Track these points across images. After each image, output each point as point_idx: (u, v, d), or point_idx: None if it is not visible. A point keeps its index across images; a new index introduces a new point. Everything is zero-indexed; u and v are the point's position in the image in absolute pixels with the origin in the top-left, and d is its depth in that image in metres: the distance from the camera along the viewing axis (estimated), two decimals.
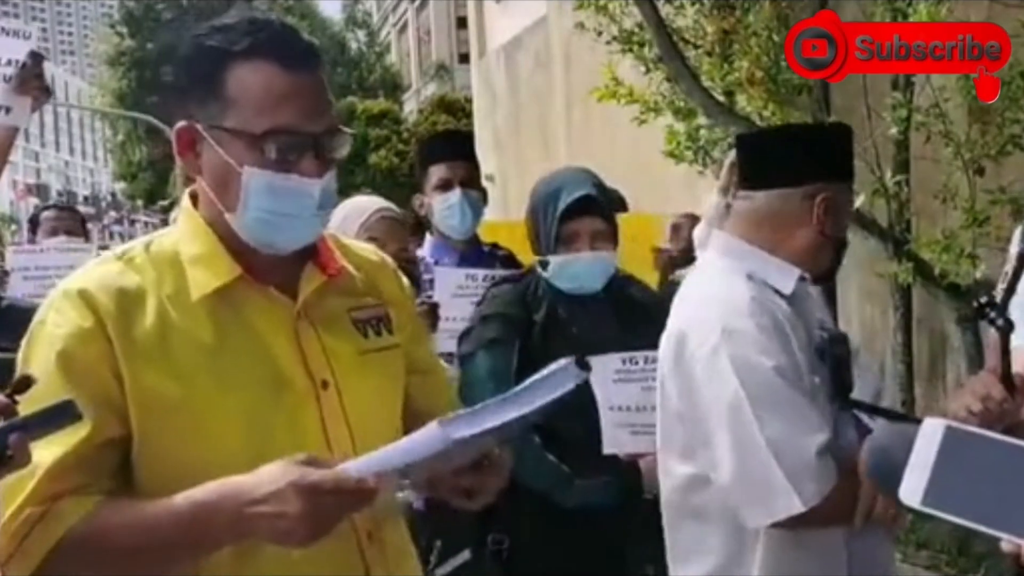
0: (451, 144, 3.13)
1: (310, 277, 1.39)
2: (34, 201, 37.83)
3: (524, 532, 2.27)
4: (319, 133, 1.31)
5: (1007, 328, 1.65)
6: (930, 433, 0.93)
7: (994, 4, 4.06)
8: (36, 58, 2.68)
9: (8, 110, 2.63)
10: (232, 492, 1.19)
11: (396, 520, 1.45)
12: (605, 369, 2.18)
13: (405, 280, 1.59)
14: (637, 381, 2.20)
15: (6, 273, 3.81)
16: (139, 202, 34.36)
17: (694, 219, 4.88)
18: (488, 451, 1.27)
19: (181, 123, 1.33)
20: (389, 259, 1.59)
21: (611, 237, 2.35)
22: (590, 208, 2.31)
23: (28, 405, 1.15)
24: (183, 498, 1.21)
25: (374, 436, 1.35)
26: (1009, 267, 1.80)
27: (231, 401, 1.28)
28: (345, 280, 1.44)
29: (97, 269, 1.34)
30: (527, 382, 1.22)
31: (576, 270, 2.32)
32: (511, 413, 1.19)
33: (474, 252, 3.02)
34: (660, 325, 2.25)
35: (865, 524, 1.64)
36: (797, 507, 1.60)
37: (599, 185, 2.39)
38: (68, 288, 1.30)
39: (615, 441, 2.20)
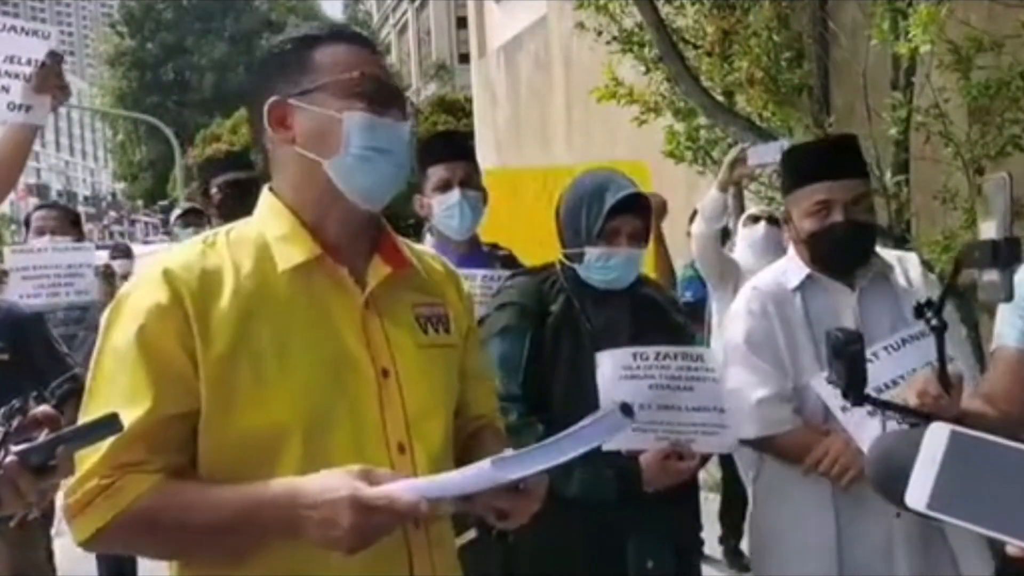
0: (450, 144, 3.12)
1: (377, 268, 1.47)
2: (34, 201, 37.81)
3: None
4: (400, 88, 1.49)
5: (941, 328, 1.76)
6: (935, 437, 0.93)
7: (994, 4, 4.05)
8: (55, 57, 2.73)
9: (28, 108, 2.70)
10: (291, 493, 1.27)
11: None
12: (614, 364, 2.22)
13: (467, 289, 1.68)
14: (645, 378, 2.23)
15: (4, 273, 3.82)
16: (139, 202, 34.41)
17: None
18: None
19: (273, 98, 1.45)
20: (455, 270, 1.68)
21: (646, 238, 2.44)
22: (633, 206, 2.38)
23: (108, 377, 1.34)
24: (243, 490, 1.30)
25: (427, 427, 1.45)
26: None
27: (295, 376, 1.36)
28: (411, 276, 1.52)
29: (182, 251, 1.44)
30: (575, 427, 1.26)
31: (614, 264, 2.36)
32: (562, 456, 1.23)
33: (474, 253, 3.02)
34: (673, 324, 2.34)
35: (814, 473, 2.21)
36: (734, 435, 2.31)
37: (643, 192, 2.45)
38: (155, 266, 1.40)
39: (616, 438, 2.21)
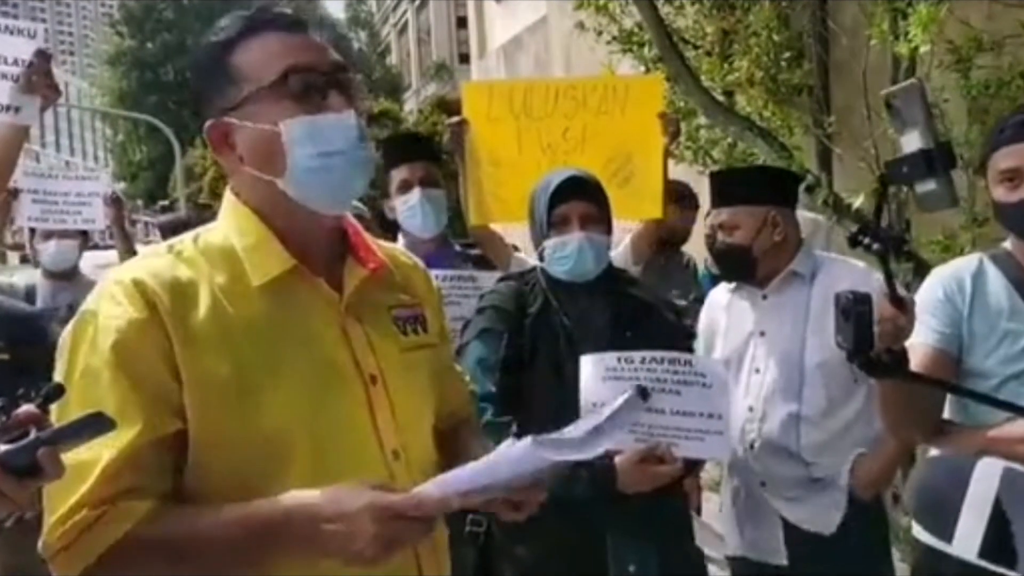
0: (409, 146, 3.20)
1: (352, 271, 1.41)
2: None
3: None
4: (335, 68, 1.35)
5: (884, 252, 1.69)
6: (986, 476, 0.80)
7: (994, 4, 4.05)
8: (43, 56, 2.66)
9: (17, 110, 2.63)
10: (305, 509, 1.19)
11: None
12: (597, 366, 2.18)
13: (434, 282, 1.63)
14: (628, 380, 2.18)
15: (16, 193, 3.83)
16: (139, 202, 34.30)
17: None
18: None
19: (208, 122, 1.36)
20: (420, 261, 1.62)
21: (603, 221, 2.36)
22: (578, 191, 2.34)
23: (84, 402, 1.19)
24: (251, 509, 1.21)
25: (416, 431, 1.41)
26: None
27: (286, 388, 1.29)
28: (385, 276, 1.46)
29: (148, 261, 1.34)
30: (600, 417, 1.25)
31: (570, 252, 2.32)
32: (600, 445, 1.22)
33: (443, 252, 3.05)
34: (658, 323, 2.27)
35: None
36: (725, 443, 2.38)
37: (592, 177, 2.40)
38: (121, 278, 1.29)
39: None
